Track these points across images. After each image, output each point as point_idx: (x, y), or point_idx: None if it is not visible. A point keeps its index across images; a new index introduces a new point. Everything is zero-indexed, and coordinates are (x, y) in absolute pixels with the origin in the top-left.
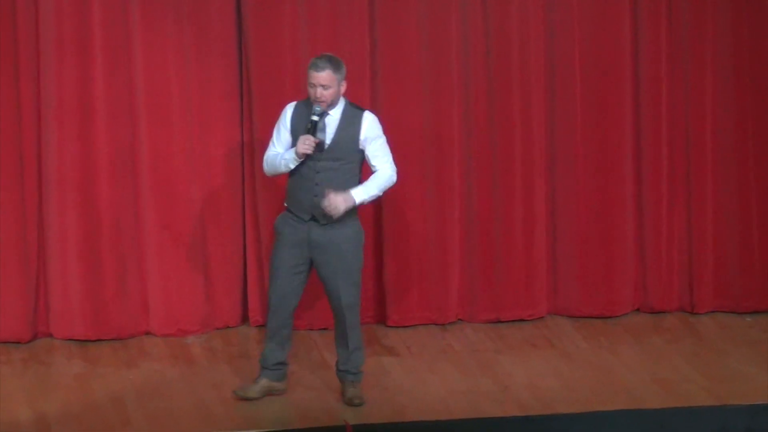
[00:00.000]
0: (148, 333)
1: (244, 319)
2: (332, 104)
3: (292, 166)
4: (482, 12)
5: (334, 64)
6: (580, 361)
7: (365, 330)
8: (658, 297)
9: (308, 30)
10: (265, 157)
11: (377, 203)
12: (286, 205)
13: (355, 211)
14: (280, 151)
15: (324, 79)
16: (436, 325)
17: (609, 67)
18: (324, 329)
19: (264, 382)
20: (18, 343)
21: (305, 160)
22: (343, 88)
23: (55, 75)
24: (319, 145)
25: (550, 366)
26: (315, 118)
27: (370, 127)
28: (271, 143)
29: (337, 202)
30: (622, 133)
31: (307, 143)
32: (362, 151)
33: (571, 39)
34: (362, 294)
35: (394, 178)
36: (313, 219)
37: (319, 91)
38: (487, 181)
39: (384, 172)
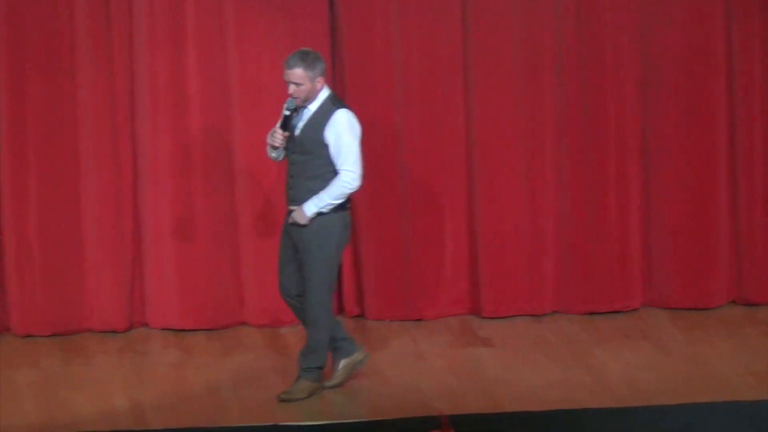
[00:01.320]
0: (243, 323)
1: (340, 309)
2: (308, 99)
3: (272, 155)
4: (575, 1)
5: (307, 62)
6: (674, 353)
7: (460, 321)
8: (753, 289)
9: (400, 22)
10: None
11: (470, 195)
12: None
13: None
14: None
15: (295, 77)
16: (531, 316)
17: (703, 59)
18: (419, 320)
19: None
20: (114, 332)
21: (287, 153)
22: (319, 85)
23: (148, 67)
24: (292, 138)
25: (645, 358)
26: (287, 112)
27: (335, 124)
28: None
29: (298, 218)
30: (717, 124)
31: (274, 136)
32: (327, 147)
33: (665, 31)
34: (458, 285)
35: (351, 185)
36: (292, 211)
37: (292, 87)
38: (581, 173)
39: (340, 178)
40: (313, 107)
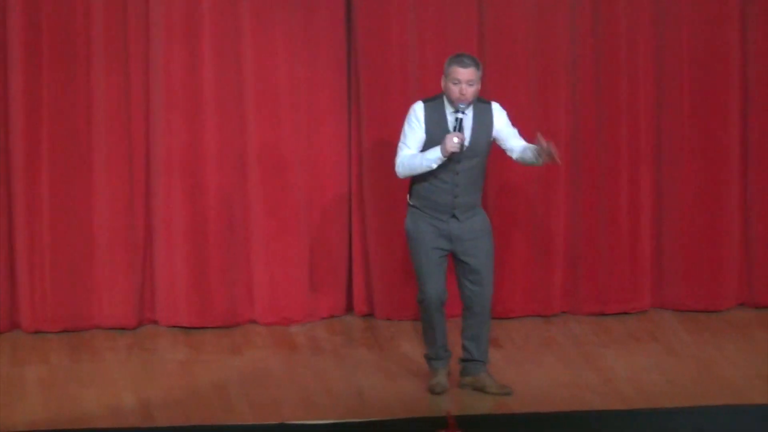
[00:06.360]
0: (252, 321)
1: (349, 308)
2: (471, 102)
3: (435, 166)
4: (591, 2)
5: (477, 63)
6: (683, 355)
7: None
8: (763, 291)
9: (416, 20)
10: (399, 160)
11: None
12: (414, 204)
13: (480, 202)
14: (414, 151)
15: (470, 75)
16: (540, 317)
17: (717, 59)
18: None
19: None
20: (123, 329)
21: (448, 162)
22: (479, 87)
23: (163, 62)
24: (461, 145)
25: (653, 360)
26: (461, 115)
27: (499, 116)
28: (402, 144)
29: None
30: (729, 125)
31: (456, 141)
32: (491, 143)
33: (679, 29)
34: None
35: None
36: (454, 216)
37: (464, 87)
38: (592, 173)
39: (523, 144)
40: (469, 111)
